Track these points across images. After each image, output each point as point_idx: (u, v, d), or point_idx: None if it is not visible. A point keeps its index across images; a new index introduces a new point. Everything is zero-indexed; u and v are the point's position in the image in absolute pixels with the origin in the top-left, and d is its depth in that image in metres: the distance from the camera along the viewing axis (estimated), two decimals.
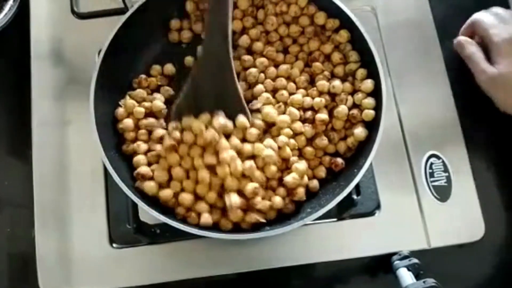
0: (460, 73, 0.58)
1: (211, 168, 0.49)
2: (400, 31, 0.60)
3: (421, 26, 0.61)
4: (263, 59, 0.55)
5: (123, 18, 0.53)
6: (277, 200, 0.49)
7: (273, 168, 0.50)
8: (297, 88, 0.55)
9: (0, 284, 0.54)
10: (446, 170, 0.56)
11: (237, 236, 0.48)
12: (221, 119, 0.50)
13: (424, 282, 0.48)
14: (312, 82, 0.55)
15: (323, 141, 0.52)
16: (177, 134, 0.50)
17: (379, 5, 0.61)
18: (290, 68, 0.55)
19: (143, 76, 0.56)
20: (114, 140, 0.53)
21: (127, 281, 0.53)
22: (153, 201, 0.50)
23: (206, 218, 0.49)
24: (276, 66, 0.56)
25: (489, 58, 0.55)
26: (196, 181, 0.50)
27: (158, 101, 0.54)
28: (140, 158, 0.51)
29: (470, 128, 0.57)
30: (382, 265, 0.53)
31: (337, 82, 0.53)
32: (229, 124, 0.50)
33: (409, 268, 0.50)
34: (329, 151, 0.53)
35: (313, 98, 0.53)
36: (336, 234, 0.54)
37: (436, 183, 0.55)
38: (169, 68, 0.57)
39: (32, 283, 0.53)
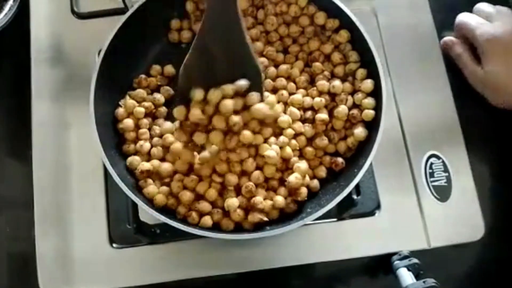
0: (460, 73, 0.58)
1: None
2: (400, 31, 0.60)
3: (421, 26, 0.61)
4: (263, 59, 0.55)
5: (123, 18, 0.53)
6: (279, 200, 0.49)
7: (272, 169, 0.50)
8: (297, 88, 0.55)
9: (0, 284, 0.54)
10: (446, 170, 0.56)
11: (237, 236, 0.48)
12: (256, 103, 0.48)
13: (424, 282, 0.48)
14: (312, 82, 0.55)
15: (323, 141, 0.52)
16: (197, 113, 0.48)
17: (379, 5, 0.61)
18: (290, 68, 0.55)
19: (143, 76, 0.56)
20: (114, 140, 0.53)
21: (127, 281, 0.53)
22: (153, 201, 0.50)
23: (206, 220, 0.49)
24: (276, 66, 0.56)
25: (478, 57, 0.56)
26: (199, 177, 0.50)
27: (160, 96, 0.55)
28: (134, 159, 0.52)
29: (470, 128, 0.57)
30: (382, 265, 0.53)
31: (337, 82, 0.53)
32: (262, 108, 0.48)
33: (409, 268, 0.50)
34: (329, 151, 0.53)
35: (313, 98, 0.53)
36: (336, 234, 0.54)
37: (436, 183, 0.55)
38: (169, 68, 0.57)
39: (32, 283, 0.53)
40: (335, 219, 0.54)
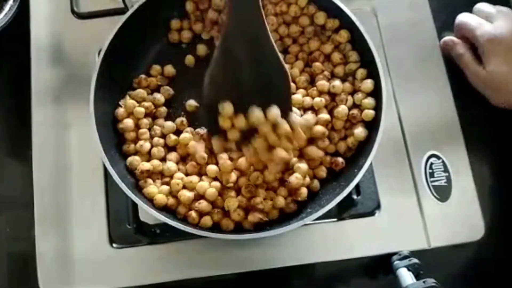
0: (460, 73, 0.58)
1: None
2: (400, 31, 0.60)
3: (421, 26, 0.61)
4: None
5: (123, 18, 0.53)
6: (280, 200, 0.49)
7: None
8: (297, 88, 0.55)
9: (0, 284, 0.54)
10: (446, 170, 0.56)
11: (237, 236, 0.48)
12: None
13: (424, 282, 0.48)
14: (312, 82, 0.55)
15: (324, 142, 0.52)
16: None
17: (379, 5, 0.61)
18: (290, 68, 0.55)
19: (143, 76, 0.56)
20: (114, 140, 0.53)
21: (127, 281, 0.53)
22: (153, 201, 0.50)
23: (206, 220, 0.49)
24: None
25: (479, 57, 0.56)
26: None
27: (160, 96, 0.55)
28: (134, 159, 0.52)
29: (470, 128, 0.57)
30: (382, 265, 0.53)
31: (337, 82, 0.53)
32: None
33: (409, 268, 0.50)
34: (329, 151, 0.53)
35: (313, 98, 0.53)
36: (336, 234, 0.54)
37: (436, 183, 0.55)
38: (169, 68, 0.57)
39: (32, 283, 0.53)
40: (335, 219, 0.54)
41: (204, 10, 0.57)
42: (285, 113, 0.47)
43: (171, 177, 0.52)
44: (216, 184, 0.51)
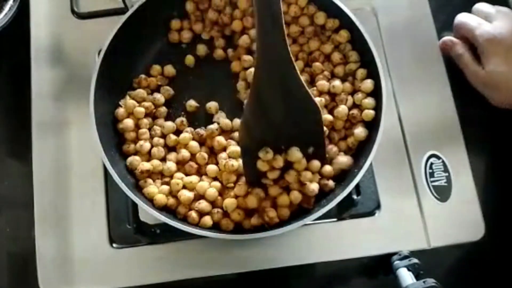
0: (460, 73, 0.58)
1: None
2: (400, 31, 0.60)
3: (421, 27, 0.61)
4: None
5: (123, 18, 0.53)
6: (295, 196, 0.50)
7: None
8: None
9: (0, 284, 0.54)
10: (446, 170, 0.56)
11: (237, 237, 0.48)
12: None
13: (424, 282, 0.48)
14: (312, 82, 0.55)
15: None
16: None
17: (379, 5, 0.61)
18: None
19: (143, 76, 0.56)
20: (114, 140, 0.53)
21: (127, 281, 0.53)
22: (153, 201, 0.50)
23: (206, 220, 0.49)
24: None
25: (479, 57, 0.56)
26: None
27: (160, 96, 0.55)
28: (134, 159, 0.52)
29: (470, 128, 0.57)
30: (382, 265, 0.53)
31: (337, 82, 0.53)
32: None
33: (409, 268, 0.50)
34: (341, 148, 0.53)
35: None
36: (336, 234, 0.54)
37: (436, 183, 0.55)
38: (169, 68, 0.57)
39: (32, 283, 0.53)
40: (335, 219, 0.54)
41: (204, 10, 0.57)
42: (320, 151, 0.50)
43: (171, 177, 0.52)
44: (216, 184, 0.51)
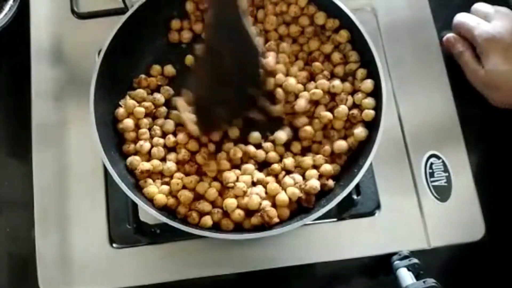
0: (460, 73, 0.58)
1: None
2: (400, 31, 0.60)
3: (421, 26, 0.61)
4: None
5: (123, 18, 0.53)
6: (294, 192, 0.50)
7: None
8: (297, 83, 0.55)
9: (0, 284, 0.54)
10: (446, 170, 0.56)
11: (237, 236, 0.48)
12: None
13: (424, 282, 0.48)
14: (312, 80, 0.55)
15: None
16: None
17: (379, 5, 0.61)
18: (290, 66, 0.55)
19: (143, 76, 0.56)
20: (114, 140, 0.53)
21: (127, 281, 0.53)
22: (153, 201, 0.50)
23: (206, 220, 0.49)
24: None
25: (479, 56, 0.56)
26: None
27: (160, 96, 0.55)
28: (134, 159, 0.52)
29: (470, 128, 0.57)
30: (382, 265, 0.53)
31: (337, 82, 0.53)
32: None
33: (409, 268, 0.50)
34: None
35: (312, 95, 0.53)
36: (336, 234, 0.54)
37: (436, 183, 0.55)
38: (169, 68, 0.57)
39: (32, 283, 0.53)
40: (335, 219, 0.54)
41: (204, 10, 0.57)
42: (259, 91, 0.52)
43: (171, 177, 0.52)
44: (216, 184, 0.51)
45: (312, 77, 0.55)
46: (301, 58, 0.56)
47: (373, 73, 0.52)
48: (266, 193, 0.50)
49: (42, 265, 0.53)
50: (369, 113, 0.52)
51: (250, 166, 0.52)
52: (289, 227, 0.47)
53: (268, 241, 0.53)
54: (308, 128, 0.53)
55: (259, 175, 0.51)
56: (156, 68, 0.57)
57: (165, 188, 0.51)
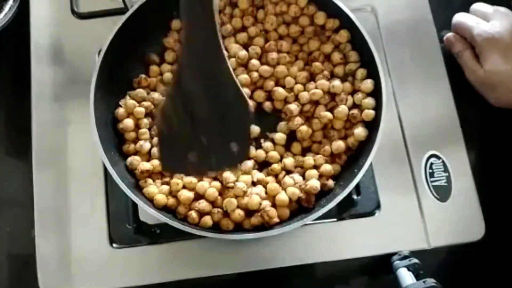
0: (460, 73, 0.58)
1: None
2: (400, 31, 0.60)
3: (421, 26, 0.61)
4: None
5: (123, 18, 0.53)
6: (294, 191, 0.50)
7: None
8: (296, 83, 0.55)
9: (0, 284, 0.54)
10: (446, 170, 0.56)
11: (237, 236, 0.48)
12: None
13: (424, 282, 0.48)
14: (312, 80, 0.55)
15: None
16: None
17: (379, 5, 0.61)
18: (290, 66, 0.55)
19: (143, 76, 0.56)
20: (114, 140, 0.53)
21: (127, 281, 0.53)
22: (153, 201, 0.50)
23: (206, 220, 0.49)
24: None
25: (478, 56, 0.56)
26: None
27: (159, 96, 0.55)
28: (134, 159, 0.52)
29: (470, 128, 0.57)
30: (382, 265, 0.53)
31: (337, 82, 0.53)
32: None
33: (409, 268, 0.50)
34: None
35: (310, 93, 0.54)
36: (336, 234, 0.54)
37: (436, 183, 0.55)
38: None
39: (32, 283, 0.53)
40: (335, 219, 0.54)
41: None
42: (243, 149, 0.45)
43: (171, 177, 0.52)
44: (216, 184, 0.51)
45: (312, 77, 0.55)
46: (301, 58, 0.56)
47: (373, 73, 0.52)
48: (266, 193, 0.50)
49: (42, 265, 0.53)
50: (369, 113, 0.52)
51: (249, 163, 0.52)
52: (289, 227, 0.47)
53: (268, 241, 0.53)
54: (304, 128, 0.53)
55: (259, 175, 0.51)
56: (156, 68, 0.57)
57: (165, 188, 0.51)
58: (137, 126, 0.54)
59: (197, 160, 0.44)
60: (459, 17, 0.58)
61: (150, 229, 0.54)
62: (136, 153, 0.53)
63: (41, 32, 0.61)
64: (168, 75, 0.56)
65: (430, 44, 0.60)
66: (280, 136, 0.53)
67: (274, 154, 0.53)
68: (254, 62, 0.55)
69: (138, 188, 0.51)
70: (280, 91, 0.54)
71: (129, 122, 0.53)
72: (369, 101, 0.52)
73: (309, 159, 0.52)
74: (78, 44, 0.60)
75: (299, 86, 0.54)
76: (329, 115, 0.53)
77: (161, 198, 0.50)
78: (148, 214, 0.48)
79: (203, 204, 0.49)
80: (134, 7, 0.53)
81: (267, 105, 0.55)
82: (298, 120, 0.53)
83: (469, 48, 0.57)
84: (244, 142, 0.45)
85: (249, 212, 0.50)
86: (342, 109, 0.52)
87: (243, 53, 0.55)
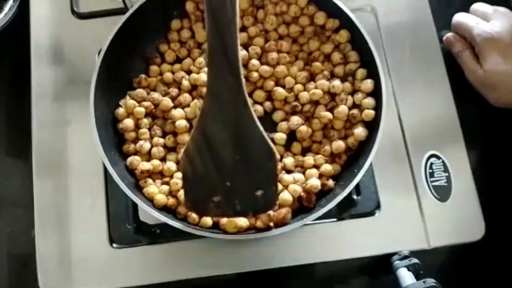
0: (460, 73, 0.58)
1: None
2: (400, 31, 0.60)
3: (421, 26, 0.61)
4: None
5: (123, 18, 0.53)
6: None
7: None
8: (296, 83, 0.55)
9: (0, 284, 0.54)
10: (446, 170, 0.56)
11: (237, 236, 0.48)
12: None
13: (424, 282, 0.48)
14: (312, 80, 0.55)
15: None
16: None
17: (379, 5, 0.61)
18: (290, 66, 0.55)
19: (143, 76, 0.56)
20: (114, 140, 0.53)
21: (127, 281, 0.53)
22: (153, 201, 0.50)
23: (206, 220, 0.49)
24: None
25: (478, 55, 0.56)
26: None
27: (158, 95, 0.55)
28: (134, 159, 0.52)
29: (470, 128, 0.57)
30: (382, 265, 0.53)
31: (337, 82, 0.53)
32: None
33: (409, 268, 0.50)
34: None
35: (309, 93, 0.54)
36: (336, 234, 0.54)
37: (436, 183, 0.55)
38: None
39: (32, 283, 0.53)
40: (335, 219, 0.54)
41: (204, 10, 0.57)
42: (269, 195, 0.45)
43: (171, 177, 0.52)
44: None
45: (312, 77, 0.55)
46: (301, 58, 0.56)
47: (373, 73, 0.52)
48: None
49: (42, 265, 0.53)
50: (369, 113, 0.52)
51: None
52: (289, 227, 0.47)
53: (268, 241, 0.53)
54: (304, 128, 0.53)
55: None
56: (156, 68, 0.57)
57: (165, 188, 0.51)
58: (137, 126, 0.54)
59: (221, 203, 0.45)
60: (459, 17, 0.58)
61: (150, 229, 0.54)
62: (136, 153, 0.53)
63: (41, 32, 0.61)
64: (168, 75, 0.56)
65: (430, 44, 0.60)
66: (280, 136, 0.53)
67: None
68: (254, 62, 0.55)
69: (138, 188, 0.51)
70: (280, 91, 0.54)
71: (129, 122, 0.53)
72: (369, 101, 0.52)
73: (309, 159, 0.52)
74: (78, 44, 0.60)
75: (299, 86, 0.54)
76: (329, 115, 0.53)
77: (161, 198, 0.50)
78: (148, 214, 0.48)
79: None
80: (134, 7, 0.53)
81: (267, 105, 0.55)
82: (298, 120, 0.53)
83: (469, 48, 0.57)
84: (270, 190, 0.45)
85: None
86: (342, 109, 0.52)
87: (243, 53, 0.55)
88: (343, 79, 0.54)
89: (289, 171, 0.52)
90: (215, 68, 0.40)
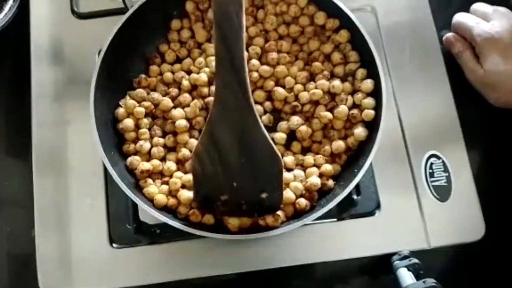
0: (460, 73, 0.58)
1: None
2: (400, 31, 0.60)
3: (421, 26, 0.61)
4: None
5: (123, 18, 0.53)
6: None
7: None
8: (296, 83, 0.55)
9: (0, 284, 0.54)
10: (446, 170, 0.56)
11: (237, 237, 0.48)
12: None
13: (424, 282, 0.48)
14: (312, 80, 0.55)
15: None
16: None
17: (379, 5, 0.61)
18: (290, 66, 0.55)
19: (143, 76, 0.56)
20: (114, 140, 0.53)
21: (127, 281, 0.53)
22: (153, 201, 0.50)
23: (208, 218, 0.49)
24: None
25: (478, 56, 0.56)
26: None
27: (158, 95, 0.55)
28: (134, 159, 0.52)
29: (470, 128, 0.57)
30: (382, 265, 0.53)
31: (337, 82, 0.53)
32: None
33: (409, 268, 0.50)
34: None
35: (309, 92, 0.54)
36: (336, 234, 0.54)
37: (436, 183, 0.55)
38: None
39: (32, 283, 0.53)
40: (335, 219, 0.54)
41: (204, 10, 0.57)
42: (275, 197, 0.47)
43: (171, 176, 0.52)
44: None
45: (312, 77, 0.55)
46: (301, 58, 0.56)
47: (373, 73, 0.52)
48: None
49: (42, 265, 0.53)
50: (369, 113, 0.52)
51: None
52: (289, 227, 0.47)
53: (268, 241, 0.53)
54: (304, 128, 0.53)
55: None
56: (155, 68, 0.57)
57: (165, 188, 0.51)
58: (137, 126, 0.54)
59: (228, 202, 0.48)
60: (459, 17, 0.58)
61: (150, 229, 0.54)
62: (136, 153, 0.53)
63: (41, 32, 0.61)
64: (168, 75, 0.56)
65: (430, 44, 0.60)
66: (280, 136, 0.53)
67: None
68: (254, 62, 0.55)
69: (138, 188, 0.51)
70: (280, 91, 0.54)
71: (129, 122, 0.53)
72: (369, 101, 0.52)
73: (309, 158, 0.52)
74: (78, 44, 0.60)
75: (299, 86, 0.54)
76: (329, 115, 0.53)
77: (161, 198, 0.50)
78: (148, 214, 0.48)
79: None
80: (134, 7, 0.53)
81: (267, 105, 0.55)
82: (298, 120, 0.53)
83: (469, 48, 0.57)
84: (275, 193, 0.47)
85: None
86: (342, 109, 0.52)
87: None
88: (343, 79, 0.54)
89: (289, 170, 0.52)
90: (222, 77, 0.43)
